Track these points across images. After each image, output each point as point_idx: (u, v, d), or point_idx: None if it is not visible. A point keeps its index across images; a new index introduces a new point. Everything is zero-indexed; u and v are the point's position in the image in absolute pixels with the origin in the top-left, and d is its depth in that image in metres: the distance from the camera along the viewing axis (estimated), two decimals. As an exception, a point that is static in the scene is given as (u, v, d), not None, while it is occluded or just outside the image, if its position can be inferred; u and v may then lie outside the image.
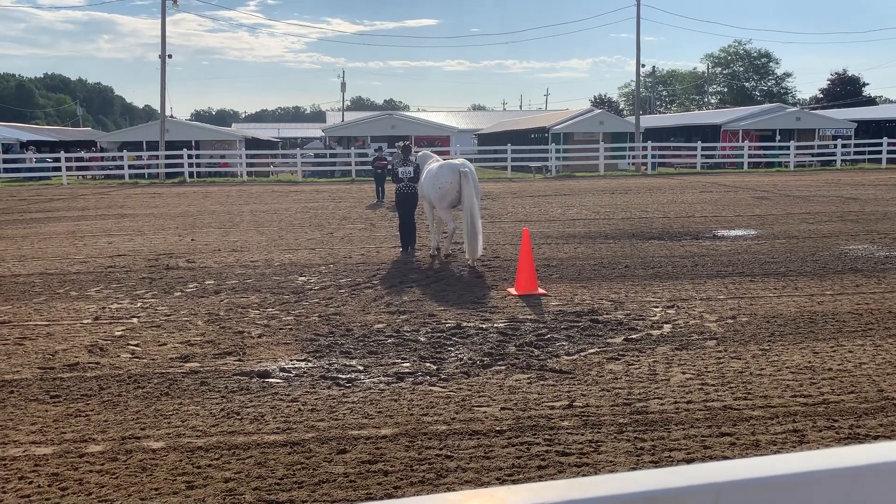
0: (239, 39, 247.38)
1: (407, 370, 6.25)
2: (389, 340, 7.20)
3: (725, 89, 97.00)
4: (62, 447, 4.74)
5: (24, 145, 45.97)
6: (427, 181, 11.75)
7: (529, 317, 8.06)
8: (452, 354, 6.70)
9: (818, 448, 4.60)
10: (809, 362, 6.30)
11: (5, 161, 37.43)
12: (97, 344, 7.18)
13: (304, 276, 10.68)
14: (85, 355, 6.81)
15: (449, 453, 4.58)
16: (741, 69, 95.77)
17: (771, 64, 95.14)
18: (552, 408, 5.32)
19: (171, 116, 50.66)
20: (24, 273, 11.25)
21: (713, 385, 5.74)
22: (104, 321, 8.13)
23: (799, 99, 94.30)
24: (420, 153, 13.25)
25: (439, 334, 7.39)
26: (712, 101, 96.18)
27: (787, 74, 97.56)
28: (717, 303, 8.60)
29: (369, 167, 28.50)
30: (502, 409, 5.31)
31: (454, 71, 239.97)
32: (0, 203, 24.96)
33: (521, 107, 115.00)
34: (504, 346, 6.92)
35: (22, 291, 9.83)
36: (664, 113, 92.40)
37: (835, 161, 41.14)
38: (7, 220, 19.46)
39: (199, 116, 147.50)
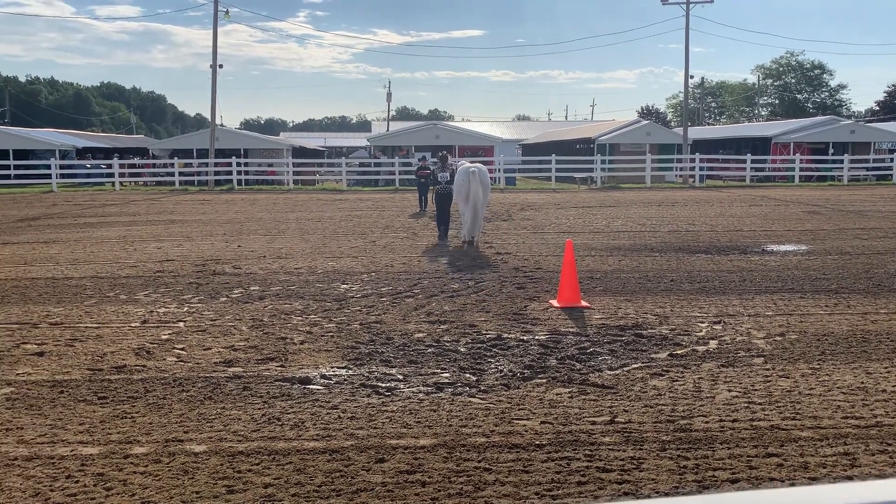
0: (288, 50, 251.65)
1: (446, 381, 6.23)
2: (429, 350, 7.19)
3: (777, 101, 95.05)
4: (108, 448, 4.85)
5: (83, 152, 47.40)
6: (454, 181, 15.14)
7: (571, 330, 7.98)
8: (492, 366, 6.66)
9: (870, 471, 4.44)
10: (862, 383, 6.10)
11: (62, 167, 38.63)
12: (144, 347, 7.33)
13: (347, 283, 10.76)
14: (132, 358, 6.96)
15: (487, 466, 4.54)
16: (793, 81, 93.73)
17: (824, 75, 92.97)
18: (593, 423, 5.24)
19: (221, 125, 51.77)
20: (76, 276, 11.57)
21: (760, 404, 5.59)
22: (151, 325, 8.30)
23: (854, 111, 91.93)
24: (459, 163, 16.15)
25: (479, 345, 7.36)
26: (763, 113, 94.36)
27: (842, 86, 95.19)
28: (766, 319, 8.39)
29: (413, 176, 28.62)
30: (542, 422, 5.25)
31: (499, 81, 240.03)
32: (56, 207, 25.76)
33: (566, 117, 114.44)
34: (545, 359, 6.85)
35: (74, 294, 10.10)
36: (713, 125, 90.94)
37: (891, 175, 39.96)
38: (62, 223, 20.06)
39: (248, 125, 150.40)
